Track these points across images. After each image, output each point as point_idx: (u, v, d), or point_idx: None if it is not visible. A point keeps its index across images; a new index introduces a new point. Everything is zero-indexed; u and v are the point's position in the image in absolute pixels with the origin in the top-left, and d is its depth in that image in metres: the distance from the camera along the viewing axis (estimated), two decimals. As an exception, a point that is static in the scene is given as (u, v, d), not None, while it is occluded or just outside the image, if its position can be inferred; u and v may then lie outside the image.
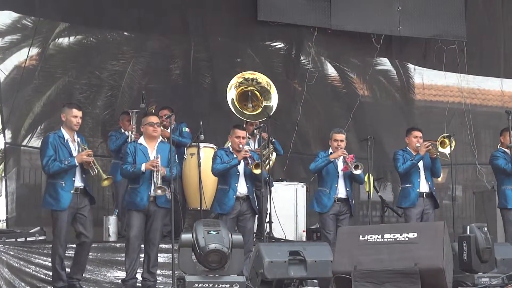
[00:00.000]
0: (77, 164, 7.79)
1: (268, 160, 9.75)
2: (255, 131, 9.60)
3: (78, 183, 7.84)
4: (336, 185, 9.16)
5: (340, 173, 9.21)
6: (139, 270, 8.22)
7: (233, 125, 8.94)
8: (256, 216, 9.00)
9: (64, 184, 7.73)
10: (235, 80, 10.10)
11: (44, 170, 7.83)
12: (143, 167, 7.94)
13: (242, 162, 8.64)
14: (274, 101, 10.16)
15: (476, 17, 12.72)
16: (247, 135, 9.17)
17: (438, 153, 9.41)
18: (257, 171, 8.60)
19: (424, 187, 9.46)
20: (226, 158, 8.60)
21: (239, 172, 8.66)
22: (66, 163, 7.75)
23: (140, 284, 8.18)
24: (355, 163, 9.10)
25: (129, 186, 8.22)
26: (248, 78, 10.20)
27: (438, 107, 13.03)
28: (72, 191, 7.76)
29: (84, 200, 7.87)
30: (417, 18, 12.29)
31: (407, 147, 9.62)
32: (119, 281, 8.62)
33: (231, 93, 10.02)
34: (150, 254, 8.06)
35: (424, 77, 12.97)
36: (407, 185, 9.51)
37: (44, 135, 10.74)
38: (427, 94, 13.12)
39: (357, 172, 9.09)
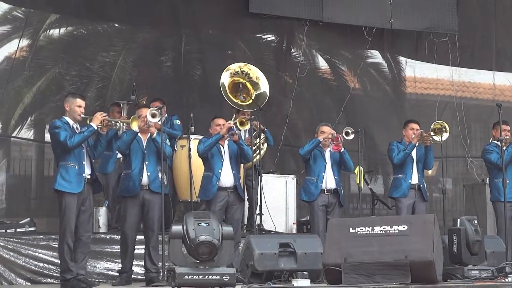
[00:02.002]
0: (95, 128, 7.64)
1: (259, 150, 9.77)
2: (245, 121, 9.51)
3: (88, 170, 7.72)
4: (323, 174, 9.18)
5: (328, 161, 9.23)
6: (137, 262, 8.22)
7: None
8: (246, 206, 9.00)
9: (76, 167, 7.60)
10: (234, 67, 10.07)
11: (67, 145, 7.51)
12: (136, 128, 7.92)
13: (226, 148, 8.66)
14: (265, 88, 10.13)
15: (468, 10, 12.72)
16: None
17: (431, 140, 9.40)
18: (244, 127, 8.81)
19: (415, 178, 9.48)
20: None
21: (223, 159, 8.67)
22: (85, 129, 7.63)
23: (141, 277, 8.22)
24: (344, 130, 9.15)
25: (123, 172, 8.23)
26: (244, 71, 10.17)
27: (429, 100, 13.04)
28: (84, 175, 7.63)
29: (89, 193, 7.76)
30: (409, 11, 12.28)
31: (403, 139, 9.63)
32: (109, 272, 8.63)
33: (225, 78, 9.96)
34: (149, 245, 8.03)
35: (416, 70, 12.98)
36: (399, 175, 9.53)
37: (33, 127, 10.86)
38: (418, 87, 13.12)
39: (350, 137, 9.12)
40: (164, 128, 8.79)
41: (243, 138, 9.40)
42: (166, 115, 9.93)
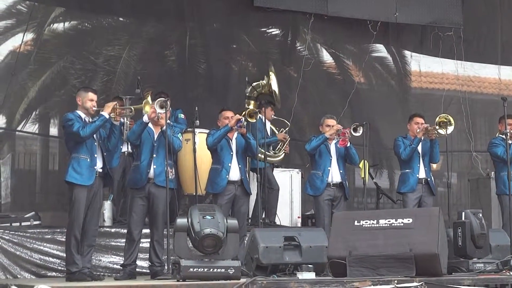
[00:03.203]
0: (107, 117, 7.60)
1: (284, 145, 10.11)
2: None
3: (99, 163, 7.69)
4: (329, 168, 9.18)
5: (333, 156, 9.22)
6: (142, 256, 8.23)
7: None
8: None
9: (88, 160, 7.57)
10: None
11: (80, 135, 7.45)
12: (145, 118, 7.91)
13: (234, 142, 8.66)
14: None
15: (473, 4, 12.68)
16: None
17: (436, 133, 9.38)
18: (253, 120, 8.77)
19: (422, 173, 9.47)
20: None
21: (232, 152, 8.67)
22: (97, 118, 7.58)
23: (145, 270, 8.22)
24: (353, 126, 9.15)
25: (132, 163, 8.25)
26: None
27: (435, 94, 13.01)
28: (95, 168, 7.60)
29: (100, 186, 7.73)
30: (414, 5, 12.26)
31: (408, 134, 9.61)
32: (114, 266, 8.64)
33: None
34: (154, 239, 8.03)
35: (421, 64, 12.96)
36: (407, 170, 9.51)
37: (38, 121, 10.87)
38: (423, 81, 13.10)
39: (357, 134, 9.12)
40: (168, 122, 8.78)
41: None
42: (170, 108, 9.94)
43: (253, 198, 9.39)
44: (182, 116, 9.93)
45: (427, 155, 9.54)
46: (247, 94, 10.44)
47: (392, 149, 9.77)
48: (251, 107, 10.06)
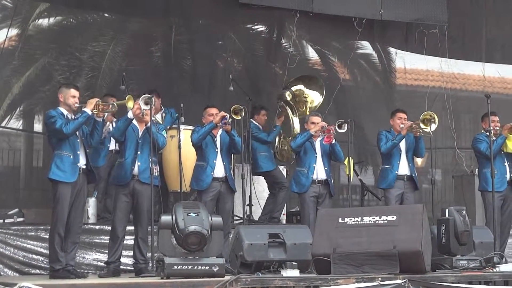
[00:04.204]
0: (90, 114, 7.57)
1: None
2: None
3: (83, 160, 7.67)
4: (314, 165, 9.20)
5: (319, 153, 9.24)
6: (126, 253, 8.23)
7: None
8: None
9: (71, 157, 7.55)
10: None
11: (63, 132, 7.43)
12: (130, 114, 7.88)
13: (218, 139, 8.66)
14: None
15: (458, 2, 12.70)
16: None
17: (421, 131, 9.41)
18: (238, 117, 8.82)
19: (404, 169, 9.47)
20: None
21: (217, 148, 8.67)
22: (79, 115, 7.57)
23: (129, 268, 8.22)
24: (338, 123, 9.19)
25: (117, 160, 8.22)
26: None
27: (419, 91, 13.05)
28: (78, 164, 7.58)
29: (84, 183, 7.72)
30: (399, 2, 12.25)
31: (392, 129, 9.63)
32: (98, 263, 8.61)
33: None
34: (139, 236, 8.01)
35: (406, 61, 12.99)
36: (386, 166, 9.53)
37: (22, 117, 10.81)
38: (408, 78, 13.13)
39: (342, 131, 9.13)
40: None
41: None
42: (163, 108, 9.95)
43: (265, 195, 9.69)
44: (177, 115, 9.92)
45: (410, 150, 9.54)
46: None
47: (377, 147, 9.79)
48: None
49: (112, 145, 9.45)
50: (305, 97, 10.83)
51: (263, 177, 10.30)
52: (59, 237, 7.50)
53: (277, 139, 10.76)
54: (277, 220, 10.09)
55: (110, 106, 7.85)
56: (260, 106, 10.58)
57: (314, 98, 10.90)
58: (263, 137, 10.26)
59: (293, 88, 10.89)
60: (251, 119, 10.22)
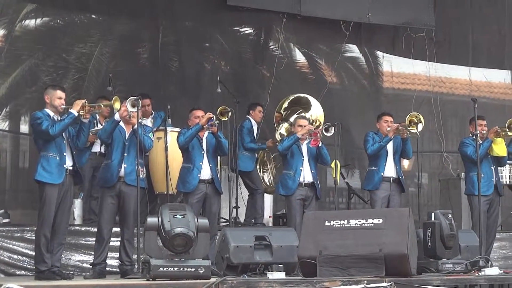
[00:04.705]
0: (76, 114, 7.53)
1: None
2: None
3: (69, 161, 7.63)
4: (301, 168, 9.19)
5: (305, 156, 9.24)
6: (112, 255, 8.20)
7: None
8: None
9: (57, 158, 7.51)
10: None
11: (49, 133, 7.39)
12: (117, 116, 7.86)
13: (205, 141, 8.64)
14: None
15: (445, 6, 12.79)
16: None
17: (408, 133, 9.42)
18: (224, 118, 8.85)
19: (390, 171, 9.47)
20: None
21: (203, 151, 8.64)
22: (66, 116, 7.52)
23: (115, 269, 8.18)
24: (324, 126, 9.24)
25: (103, 162, 8.18)
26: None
27: (406, 95, 13.10)
28: (65, 166, 7.54)
29: (70, 185, 7.68)
30: (387, 6, 12.32)
31: (379, 131, 9.65)
32: (84, 264, 8.59)
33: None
34: (125, 238, 7.99)
35: (393, 65, 13.04)
36: (372, 168, 9.54)
37: (9, 118, 10.76)
38: (395, 81, 13.17)
39: (329, 134, 9.17)
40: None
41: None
42: (153, 113, 9.92)
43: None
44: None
45: (397, 153, 9.56)
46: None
47: (364, 150, 9.80)
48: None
49: (97, 148, 9.42)
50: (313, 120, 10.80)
51: (240, 176, 10.18)
52: (45, 239, 7.46)
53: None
54: (260, 225, 10.08)
55: (97, 107, 7.83)
56: (256, 102, 10.55)
57: (317, 113, 10.87)
58: (246, 141, 10.22)
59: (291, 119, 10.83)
60: (247, 115, 10.23)
